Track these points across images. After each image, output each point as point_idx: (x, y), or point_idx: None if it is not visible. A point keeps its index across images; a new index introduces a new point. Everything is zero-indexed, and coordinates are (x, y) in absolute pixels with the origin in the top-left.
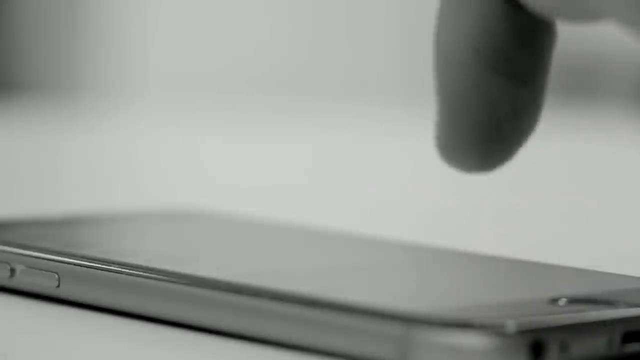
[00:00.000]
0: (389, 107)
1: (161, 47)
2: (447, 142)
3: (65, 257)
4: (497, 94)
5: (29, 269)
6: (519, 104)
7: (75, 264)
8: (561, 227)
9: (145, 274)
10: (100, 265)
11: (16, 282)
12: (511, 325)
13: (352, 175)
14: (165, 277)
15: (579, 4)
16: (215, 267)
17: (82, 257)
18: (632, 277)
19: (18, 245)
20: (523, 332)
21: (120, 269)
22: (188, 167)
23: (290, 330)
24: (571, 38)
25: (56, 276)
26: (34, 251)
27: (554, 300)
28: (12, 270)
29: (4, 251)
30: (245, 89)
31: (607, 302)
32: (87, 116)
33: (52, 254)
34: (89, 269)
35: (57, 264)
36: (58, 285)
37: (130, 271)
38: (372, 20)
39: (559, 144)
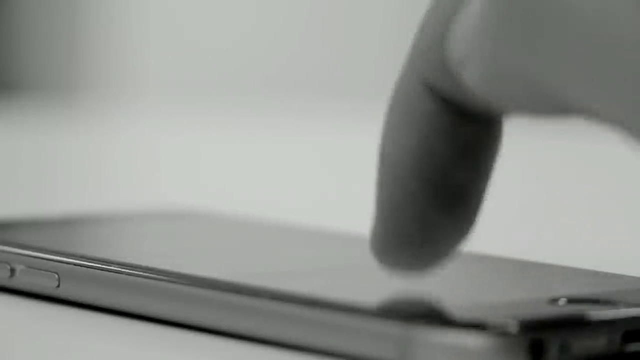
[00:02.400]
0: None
1: (161, 48)
2: (381, 250)
3: (65, 257)
4: (431, 210)
5: (29, 269)
6: (453, 220)
7: (75, 264)
8: (561, 227)
9: (144, 274)
10: (100, 265)
11: (16, 282)
12: (511, 325)
13: (352, 175)
14: (165, 277)
15: (547, 98)
16: (215, 267)
17: (82, 257)
18: (632, 277)
19: (18, 245)
20: (523, 332)
21: (120, 269)
22: (187, 167)
23: (290, 330)
24: None
25: (56, 276)
26: (34, 251)
27: (554, 300)
28: (12, 270)
29: (4, 251)
30: (245, 90)
31: (607, 302)
32: (87, 116)
33: (52, 254)
34: (89, 269)
35: (57, 264)
36: (58, 285)
37: (130, 271)
38: (372, 20)
39: (559, 144)
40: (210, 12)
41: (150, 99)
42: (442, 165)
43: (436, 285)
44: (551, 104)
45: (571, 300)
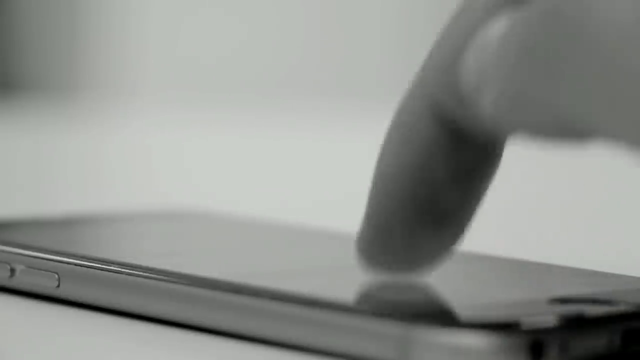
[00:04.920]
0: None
1: (160, 48)
2: (366, 252)
3: (65, 257)
4: (419, 225)
5: (29, 269)
6: (439, 237)
7: (75, 264)
8: (561, 227)
9: (144, 274)
10: (100, 265)
11: (16, 282)
12: (511, 325)
13: (352, 175)
14: (164, 277)
15: (566, 124)
16: (215, 267)
17: (82, 257)
18: (632, 277)
19: (18, 245)
20: (523, 332)
21: (119, 269)
22: (187, 167)
23: (290, 330)
24: None
25: (56, 276)
26: (34, 251)
27: (554, 300)
28: (12, 270)
29: (4, 251)
30: (244, 89)
31: (607, 302)
32: (86, 116)
33: (52, 254)
34: (89, 269)
35: (57, 264)
36: (58, 285)
37: (130, 271)
38: (372, 20)
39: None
40: (208, 12)
41: (150, 98)
42: (436, 186)
43: (436, 285)
44: (569, 131)
45: (571, 300)
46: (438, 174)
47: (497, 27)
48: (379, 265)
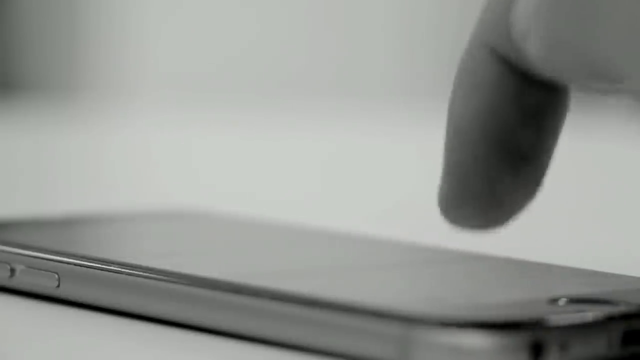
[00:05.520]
0: (390, 107)
1: (160, 48)
2: (448, 207)
3: (65, 257)
4: (498, 170)
5: (29, 269)
6: (520, 180)
7: (75, 264)
8: (561, 227)
9: (144, 274)
10: (100, 265)
11: (16, 282)
12: (511, 326)
13: (352, 175)
14: (165, 277)
15: (602, 70)
16: (215, 267)
17: (82, 257)
18: (632, 277)
19: (18, 245)
20: (523, 332)
21: (120, 269)
22: (187, 167)
23: (290, 330)
24: None
25: (56, 276)
26: (34, 251)
27: (554, 300)
28: (12, 270)
29: (4, 251)
30: (245, 89)
31: (607, 302)
32: (87, 116)
33: (52, 254)
34: (89, 269)
35: (57, 264)
36: (58, 285)
37: (130, 271)
38: (373, 20)
39: (559, 143)
40: (208, 12)
41: (150, 98)
42: (508, 127)
43: (436, 285)
44: (603, 76)
45: (571, 300)
46: (508, 115)
47: None
48: (463, 220)
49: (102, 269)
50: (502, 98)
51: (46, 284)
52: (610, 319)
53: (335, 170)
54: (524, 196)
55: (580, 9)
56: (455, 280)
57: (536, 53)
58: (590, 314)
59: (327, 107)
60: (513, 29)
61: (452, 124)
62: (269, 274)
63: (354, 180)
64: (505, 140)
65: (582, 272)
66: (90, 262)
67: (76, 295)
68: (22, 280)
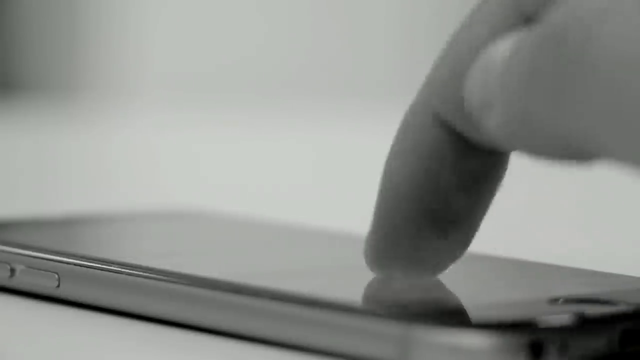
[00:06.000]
0: (389, 107)
1: (160, 48)
2: (372, 259)
3: (65, 257)
4: (426, 232)
5: (29, 269)
6: (447, 243)
7: (75, 264)
8: (561, 227)
9: (145, 274)
10: (100, 265)
11: (16, 282)
12: (511, 325)
13: (352, 176)
14: (165, 277)
15: (571, 145)
16: (215, 267)
17: (82, 257)
18: (632, 277)
19: (18, 245)
20: (523, 332)
21: (120, 269)
22: (187, 167)
23: (290, 330)
24: None
25: (56, 276)
26: (34, 251)
27: (554, 300)
28: (12, 270)
29: (4, 251)
30: (245, 89)
31: (607, 302)
32: (87, 116)
33: (52, 254)
34: (89, 269)
35: (57, 264)
36: (58, 285)
37: (130, 271)
38: (372, 20)
39: None
40: (209, 12)
41: (150, 98)
42: (443, 192)
43: (436, 285)
44: (574, 152)
45: (571, 300)
46: (445, 181)
47: (502, 49)
48: (387, 271)
49: (102, 269)
50: (440, 163)
51: (46, 284)
52: (610, 319)
53: (336, 170)
54: (449, 257)
55: (555, 83)
56: (455, 281)
57: (498, 126)
58: (590, 314)
59: (327, 108)
60: (467, 99)
61: (387, 179)
62: (269, 274)
63: (354, 180)
64: (437, 205)
65: (582, 272)
66: (90, 262)
67: (76, 295)
68: (22, 280)
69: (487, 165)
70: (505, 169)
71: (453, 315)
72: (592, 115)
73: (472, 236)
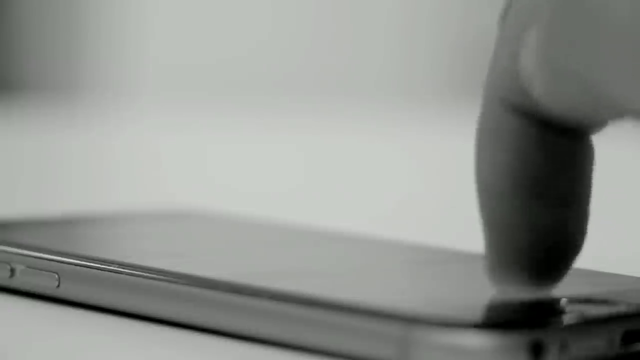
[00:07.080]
0: (389, 107)
1: (161, 48)
2: (496, 268)
3: (65, 257)
4: (539, 219)
5: (29, 269)
6: (563, 226)
7: (75, 264)
8: None
9: (145, 274)
10: (100, 265)
11: (16, 282)
12: (511, 325)
13: (352, 176)
14: (165, 277)
15: (602, 101)
16: (215, 267)
17: (82, 257)
18: (632, 277)
19: (18, 245)
20: (523, 332)
21: (120, 269)
22: (188, 167)
23: (290, 330)
24: None
25: (56, 276)
26: (34, 251)
27: (554, 300)
28: (12, 270)
29: (4, 251)
30: (246, 90)
31: (607, 302)
32: (87, 116)
33: (52, 254)
34: (89, 269)
35: (57, 264)
36: (58, 285)
37: (130, 271)
38: (372, 20)
39: None
40: (210, 12)
41: (151, 98)
42: (538, 173)
43: (436, 285)
44: (607, 108)
45: (571, 300)
46: (538, 163)
47: (544, 16)
48: (512, 281)
49: (102, 269)
50: (528, 147)
51: (46, 284)
52: (610, 319)
53: (336, 170)
54: (570, 244)
55: (577, 39)
56: (455, 280)
57: (541, 91)
58: (590, 314)
59: (327, 109)
60: (521, 77)
61: (482, 184)
62: (269, 274)
63: (354, 180)
64: (538, 187)
65: (582, 272)
66: (90, 262)
67: (76, 295)
68: (22, 280)
69: (571, 144)
70: (591, 148)
71: (453, 315)
72: (616, 63)
73: (586, 213)
